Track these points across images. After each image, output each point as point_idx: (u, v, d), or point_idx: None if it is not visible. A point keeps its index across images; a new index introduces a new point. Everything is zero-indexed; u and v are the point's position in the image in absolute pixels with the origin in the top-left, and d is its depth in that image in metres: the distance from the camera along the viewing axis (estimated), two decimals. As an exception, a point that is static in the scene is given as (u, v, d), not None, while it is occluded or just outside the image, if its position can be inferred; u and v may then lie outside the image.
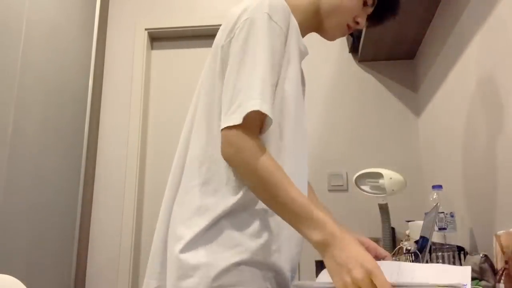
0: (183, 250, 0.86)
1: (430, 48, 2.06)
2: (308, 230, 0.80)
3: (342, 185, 2.30)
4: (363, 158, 2.28)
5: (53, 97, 2.10)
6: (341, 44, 2.47)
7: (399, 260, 1.59)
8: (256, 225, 0.89)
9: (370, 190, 1.91)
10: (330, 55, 2.46)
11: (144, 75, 2.57)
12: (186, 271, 0.85)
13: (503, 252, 0.81)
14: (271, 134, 0.91)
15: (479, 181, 1.46)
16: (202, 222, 0.87)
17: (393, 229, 2.01)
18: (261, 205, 0.89)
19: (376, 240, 1.86)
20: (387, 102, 2.39)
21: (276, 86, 0.92)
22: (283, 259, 0.92)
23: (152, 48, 2.70)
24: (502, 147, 1.29)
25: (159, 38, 2.71)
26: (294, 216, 0.82)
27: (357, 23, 1.08)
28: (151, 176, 2.51)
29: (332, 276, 0.77)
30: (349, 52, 2.47)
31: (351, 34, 2.34)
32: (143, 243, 2.43)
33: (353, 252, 0.76)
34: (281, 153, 0.93)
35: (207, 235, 0.87)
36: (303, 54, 1.03)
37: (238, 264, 0.85)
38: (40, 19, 2.02)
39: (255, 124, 0.86)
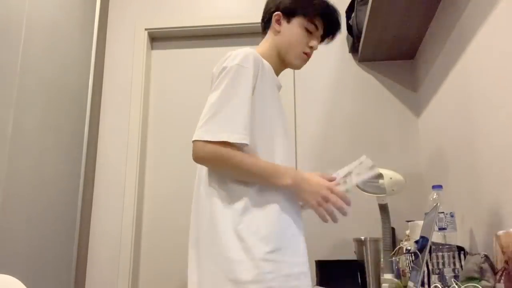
0: None
1: (430, 48, 2.06)
2: (279, 179, 1.14)
3: (342, 185, 2.29)
4: (363, 158, 2.28)
5: (53, 97, 2.10)
6: (341, 44, 2.47)
7: (398, 261, 1.59)
8: None
9: (370, 190, 1.91)
10: (330, 55, 2.45)
11: (144, 75, 2.57)
12: None
13: (503, 252, 0.81)
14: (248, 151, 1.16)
15: (480, 181, 1.46)
16: None
17: (393, 229, 2.01)
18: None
19: (376, 240, 1.87)
20: (387, 102, 2.38)
21: (255, 111, 1.18)
22: None
23: (152, 48, 2.70)
24: (502, 147, 1.29)
25: (159, 38, 2.71)
26: (264, 175, 1.13)
27: (311, 47, 1.34)
28: (151, 177, 2.51)
29: (307, 202, 1.17)
30: (349, 52, 2.47)
31: (351, 34, 2.34)
32: (143, 243, 2.43)
33: (315, 182, 1.19)
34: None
35: None
36: (279, 88, 1.35)
37: None
38: (40, 19, 2.02)
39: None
